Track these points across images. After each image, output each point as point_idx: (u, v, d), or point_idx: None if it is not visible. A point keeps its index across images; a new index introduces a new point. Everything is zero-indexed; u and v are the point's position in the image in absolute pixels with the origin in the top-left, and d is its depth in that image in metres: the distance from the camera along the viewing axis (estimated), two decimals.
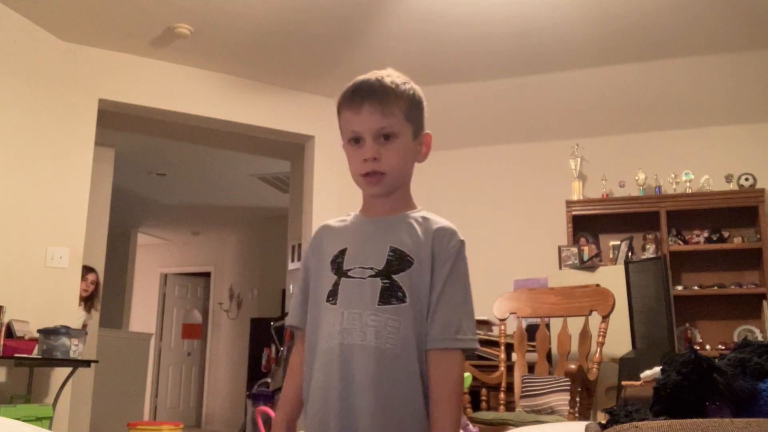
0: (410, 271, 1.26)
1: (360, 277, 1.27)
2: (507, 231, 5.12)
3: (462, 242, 1.30)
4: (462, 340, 1.24)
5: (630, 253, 4.68)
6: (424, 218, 1.33)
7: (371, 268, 1.27)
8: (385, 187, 1.32)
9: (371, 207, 1.37)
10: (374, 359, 1.22)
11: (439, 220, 1.33)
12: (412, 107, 1.33)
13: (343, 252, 1.31)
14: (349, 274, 1.28)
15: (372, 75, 1.33)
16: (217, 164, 6.56)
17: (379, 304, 1.24)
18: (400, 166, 1.31)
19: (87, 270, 4.75)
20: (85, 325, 4.90)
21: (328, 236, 1.38)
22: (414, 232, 1.30)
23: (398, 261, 1.27)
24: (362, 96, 1.30)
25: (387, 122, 1.29)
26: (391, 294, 1.25)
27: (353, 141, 1.32)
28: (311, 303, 1.34)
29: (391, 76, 1.33)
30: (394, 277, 1.25)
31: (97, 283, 5.27)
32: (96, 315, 5.36)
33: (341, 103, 1.33)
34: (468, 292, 1.29)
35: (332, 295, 1.29)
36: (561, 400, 2.95)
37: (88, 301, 5.11)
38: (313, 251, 1.38)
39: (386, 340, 1.22)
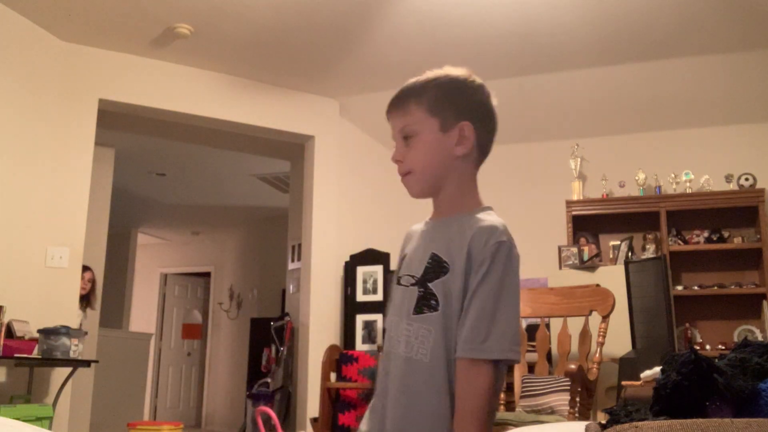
0: (445, 279, 1.20)
1: (405, 285, 1.27)
2: None
3: (502, 242, 1.19)
4: (488, 350, 1.14)
5: (630, 253, 4.68)
6: (476, 218, 1.24)
7: (413, 276, 1.25)
8: (417, 186, 1.29)
9: (434, 209, 1.33)
10: (403, 369, 1.21)
11: (485, 220, 1.23)
12: (440, 99, 1.28)
13: (404, 259, 1.32)
14: (401, 282, 1.28)
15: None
16: (217, 164, 6.56)
17: (413, 314, 1.22)
18: (425, 163, 1.27)
19: (83, 268, 4.76)
20: (80, 325, 4.90)
21: (405, 242, 1.38)
22: (456, 235, 1.23)
23: (435, 268, 1.22)
24: (388, 105, 1.32)
25: (405, 121, 1.29)
26: (424, 303, 1.22)
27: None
28: None
29: (429, 74, 1.31)
30: (429, 284, 1.22)
31: (93, 282, 5.27)
32: (93, 314, 5.36)
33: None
34: (505, 297, 1.17)
35: (391, 304, 1.31)
36: (561, 400, 2.95)
37: (84, 299, 5.11)
38: (399, 259, 1.38)
39: (417, 349, 1.20)
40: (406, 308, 1.24)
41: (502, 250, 1.19)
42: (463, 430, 1.13)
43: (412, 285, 1.24)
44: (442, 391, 1.18)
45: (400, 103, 1.29)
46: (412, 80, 1.32)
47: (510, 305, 1.17)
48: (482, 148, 1.31)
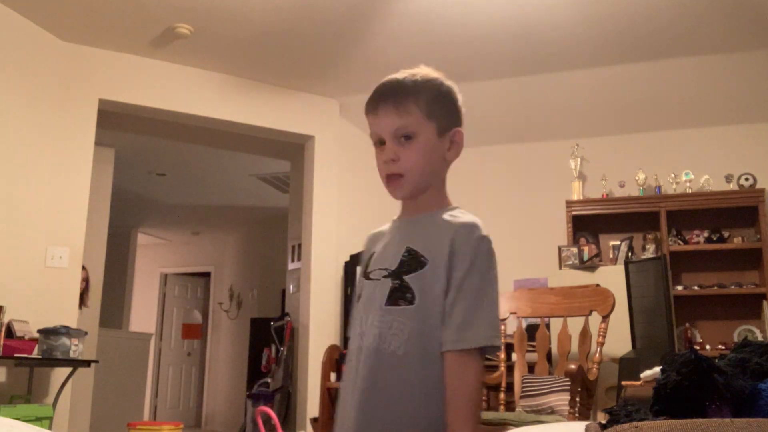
0: (422, 272, 1.21)
1: (376, 279, 1.27)
2: (507, 231, 5.12)
3: (483, 237, 1.22)
4: (475, 339, 1.17)
5: (630, 253, 4.68)
6: (452, 215, 1.27)
7: (385, 269, 1.26)
8: (407, 190, 1.29)
9: (404, 208, 1.35)
10: (374, 360, 1.21)
11: (464, 217, 1.26)
12: (436, 102, 1.28)
13: (372, 255, 1.33)
14: (370, 276, 1.29)
15: (395, 74, 1.31)
16: (217, 164, 6.56)
17: (386, 305, 1.23)
18: (421, 167, 1.26)
19: None
20: None
21: (370, 242, 1.39)
22: (435, 231, 1.25)
23: (411, 262, 1.23)
24: (378, 98, 1.29)
25: (403, 122, 1.26)
26: (399, 295, 1.22)
27: (378, 144, 1.31)
28: None
29: (416, 73, 1.30)
30: (405, 278, 1.22)
31: (87, 280, 5.25)
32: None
33: (365, 108, 1.33)
34: (487, 290, 1.20)
35: (358, 298, 1.31)
36: (561, 400, 2.95)
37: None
38: (361, 260, 1.40)
39: (390, 341, 1.20)
40: (378, 300, 1.24)
41: (483, 245, 1.22)
42: (456, 419, 1.14)
43: (385, 278, 1.25)
44: (413, 384, 1.19)
45: (397, 101, 1.26)
46: (400, 77, 1.29)
47: (493, 297, 1.21)
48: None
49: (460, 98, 1.33)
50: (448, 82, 1.32)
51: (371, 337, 1.23)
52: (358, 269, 1.38)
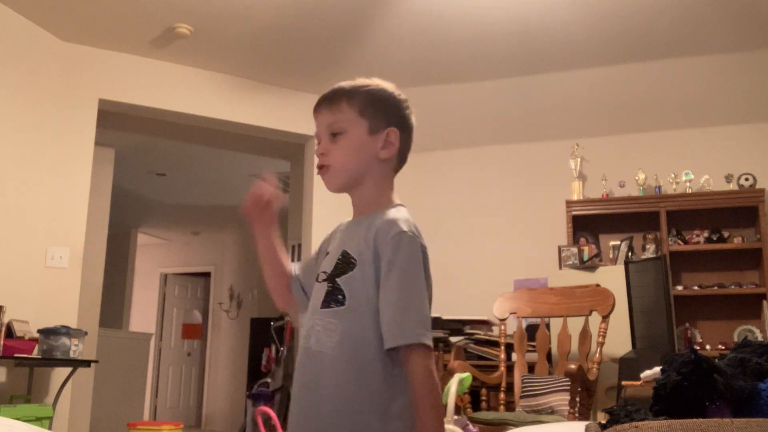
0: (352, 274, 1.27)
1: (318, 282, 1.33)
2: (507, 231, 5.12)
3: (401, 233, 1.24)
4: (402, 336, 1.19)
5: (630, 253, 4.67)
6: (381, 215, 1.31)
7: (325, 272, 1.32)
8: (335, 181, 1.35)
9: (354, 210, 1.40)
10: (314, 361, 1.26)
11: (387, 216, 1.29)
12: (371, 104, 1.35)
13: (326, 257, 1.38)
14: (318, 278, 1.34)
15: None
16: (217, 164, 6.56)
17: (321, 308, 1.28)
18: (347, 160, 1.33)
19: None
20: None
21: (330, 239, 1.44)
22: (364, 232, 1.29)
23: (343, 264, 1.29)
24: (319, 100, 1.39)
25: (334, 118, 1.35)
26: (332, 297, 1.27)
27: (318, 143, 1.39)
28: None
29: (360, 81, 1.39)
30: (337, 280, 1.28)
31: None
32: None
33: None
34: (410, 286, 1.22)
35: (309, 298, 1.36)
36: (561, 400, 2.95)
37: None
38: (320, 250, 1.45)
39: (324, 343, 1.25)
40: (317, 303, 1.29)
41: (403, 240, 1.24)
42: (419, 414, 1.18)
43: (324, 281, 1.31)
44: (347, 383, 1.22)
45: (331, 101, 1.36)
46: (343, 83, 1.39)
47: (415, 292, 1.22)
48: (402, 157, 1.39)
49: (410, 109, 1.40)
50: (392, 90, 1.39)
51: (311, 338, 1.28)
52: (320, 258, 1.42)
